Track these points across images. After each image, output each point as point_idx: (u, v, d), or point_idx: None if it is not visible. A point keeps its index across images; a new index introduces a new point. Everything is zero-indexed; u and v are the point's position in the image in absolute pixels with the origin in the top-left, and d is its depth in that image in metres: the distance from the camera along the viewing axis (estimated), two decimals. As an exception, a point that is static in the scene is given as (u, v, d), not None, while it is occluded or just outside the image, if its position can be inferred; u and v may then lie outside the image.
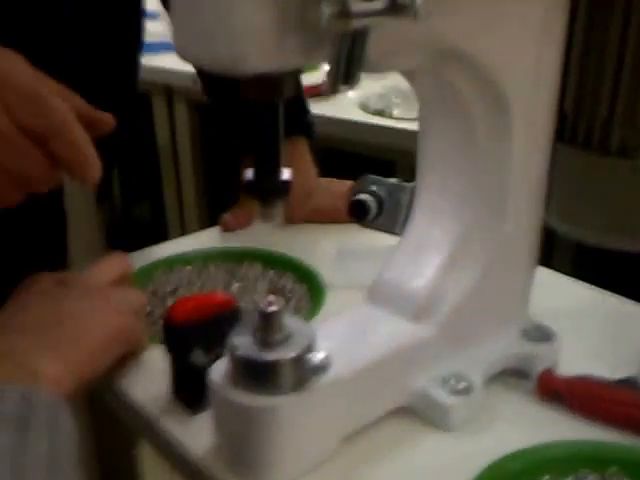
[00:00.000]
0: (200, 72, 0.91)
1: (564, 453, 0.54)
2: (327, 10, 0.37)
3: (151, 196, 2.14)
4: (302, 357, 0.48)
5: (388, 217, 0.61)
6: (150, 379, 0.60)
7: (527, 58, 0.53)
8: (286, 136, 0.86)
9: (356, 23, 0.38)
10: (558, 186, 0.58)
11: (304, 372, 0.48)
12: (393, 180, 0.61)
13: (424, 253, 0.58)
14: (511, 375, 0.61)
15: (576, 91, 0.57)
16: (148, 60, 1.86)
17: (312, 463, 0.51)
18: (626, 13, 0.57)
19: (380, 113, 1.44)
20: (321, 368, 0.49)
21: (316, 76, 1.69)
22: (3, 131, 0.53)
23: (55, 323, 0.55)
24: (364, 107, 1.49)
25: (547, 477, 0.52)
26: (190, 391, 0.56)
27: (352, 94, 1.59)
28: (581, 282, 0.76)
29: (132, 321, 0.59)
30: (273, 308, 0.48)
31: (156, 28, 2.18)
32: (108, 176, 0.90)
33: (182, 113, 1.88)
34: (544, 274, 0.75)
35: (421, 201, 0.59)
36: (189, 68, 1.82)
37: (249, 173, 0.47)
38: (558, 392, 0.58)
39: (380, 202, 0.60)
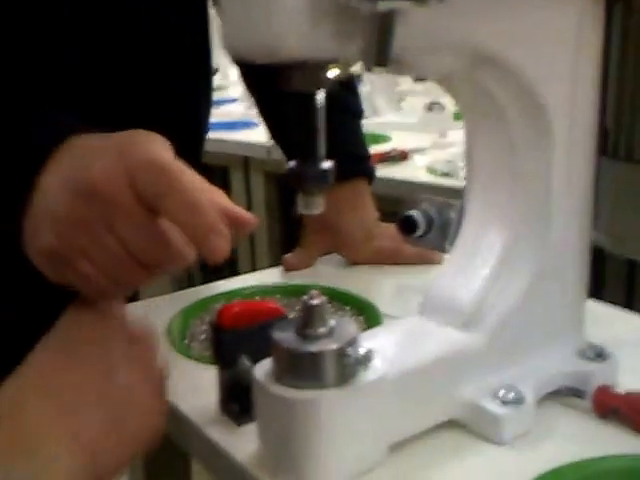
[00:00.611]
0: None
1: (621, 467, 0.52)
2: (356, -9, 0.39)
3: (227, 269, 2.18)
4: (345, 350, 0.48)
5: (437, 234, 0.61)
6: (198, 394, 0.61)
7: (563, 68, 0.55)
8: (347, 178, 0.89)
9: (383, 5, 0.40)
10: (604, 201, 0.58)
11: (347, 366, 0.48)
12: (443, 198, 0.62)
13: (472, 264, 0.58)
14: (566, 395, 0.59)
15: (616, 107, 0.57)
16: (227, 135, 1.97)
17: (357, 469, 0.51)
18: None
19: (447, 175, 1.46)
20: (364, 363, 0.49)
21: (384, 145, 1.74)
22: (124, 203, 0.51)
23: (97, 400, 0.48)
24: (432, 171, 1.51)
25: (603, 491, 0.50)
26: (237, 400, 0.56)
27: (420, 160, 1.62)
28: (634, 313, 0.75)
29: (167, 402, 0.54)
30: (316, 301, 0.48)
31: (236, 109, 2.30)
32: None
33: (258, 184, 1.95)
34: (597, 307, 0.75)
35: (469, 214, 0.59)
36: (265, 140, 1.87)
37: (291, 163, 0.49)
38: (616, 408, 0.56)
39: (429, 219, 0.61)
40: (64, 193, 0.53)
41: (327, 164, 0.48)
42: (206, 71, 0.89)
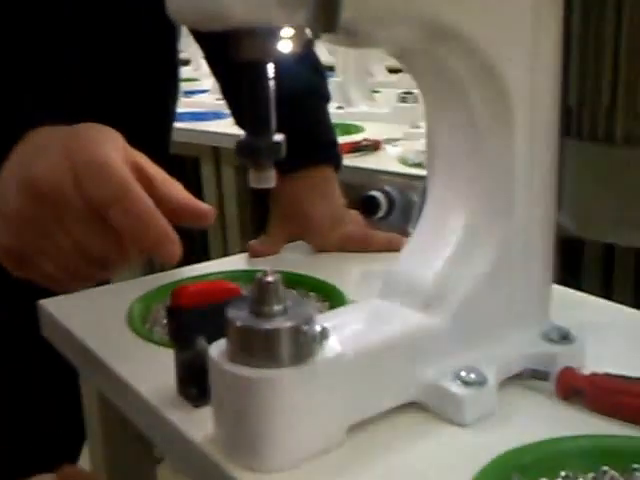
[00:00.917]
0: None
1: (581, 447, 0.51)
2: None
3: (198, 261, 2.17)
4: (300, 327, 0.47)
5: (399, 216, 0.60)
6: (158, 377, 0.59)
7: (522, 42, 0.53)
8: (314, 165, 0.88)
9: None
10: (568, 182, 0.57)
11: (303, 344, 0.47)
12: (405, 180, 0.61)
13: (434, 245, 0.57)
14: (530, 378, 0.58)
15: (578, 84, 0.57)
16: (198, 126, 1.96)
17: (314, 450, 0.49)
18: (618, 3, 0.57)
19: (418, 166, 1.46)
20: (321, 341, 0.48)
21: (357, 135, 1.74)
22: (71, 204, 0.51)
23: None
24: (403, 161, 1.51)
25: (564, 473, 0.49)
26: (194, 382, 0.55)
27: (392, 150, 1.61)
28: (604, 300, 0.74)
29: None
30: (270, 278, 0.47)
31: (206, 100, 2.29)
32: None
33: (229, 174, 1.94)
34: (569, 293, 0.74)
35: (431, 195, 0.58)
36: (236, 131, 1.88)
37: (241, 136, 0.48)
38: (579, 389, 0.55)
39: (391, 200, 0.60)
40: (13, 191, 0.53)
41: (279, 136, 0.47)
42: (174, 62, 0.89)
